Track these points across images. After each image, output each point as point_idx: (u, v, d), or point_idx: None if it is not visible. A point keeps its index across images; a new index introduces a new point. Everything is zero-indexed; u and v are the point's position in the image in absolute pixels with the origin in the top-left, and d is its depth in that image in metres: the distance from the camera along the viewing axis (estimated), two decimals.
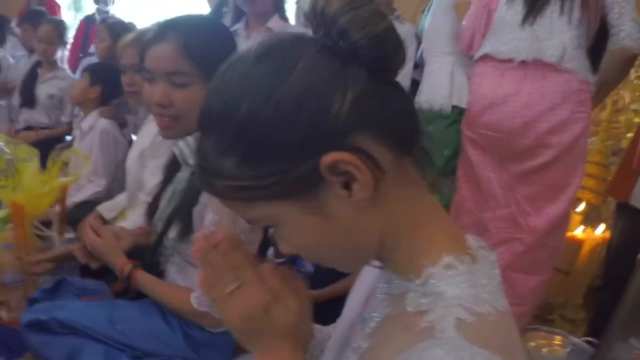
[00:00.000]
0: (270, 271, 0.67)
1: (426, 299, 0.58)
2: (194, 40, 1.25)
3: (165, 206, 1.44)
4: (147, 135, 2.08)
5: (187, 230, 1.36)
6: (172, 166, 1.50)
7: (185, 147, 1.33)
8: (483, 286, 0.58)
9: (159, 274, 1.47)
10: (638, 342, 1.81)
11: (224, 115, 0.57)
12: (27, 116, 3.60)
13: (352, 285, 2.05)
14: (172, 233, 1.40)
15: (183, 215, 1.36)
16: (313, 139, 0.55)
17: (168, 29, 1.27)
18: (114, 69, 2.60)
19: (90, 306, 1.43)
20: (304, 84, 0.55)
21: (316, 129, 0.55)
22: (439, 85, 2.44)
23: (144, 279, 1.40)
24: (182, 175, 1.42)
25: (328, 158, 0.55)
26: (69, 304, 1.45)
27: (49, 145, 2.82)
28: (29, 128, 3.53)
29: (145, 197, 1.86)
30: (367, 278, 0.78)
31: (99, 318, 1.36)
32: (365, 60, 0.56)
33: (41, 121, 3.56)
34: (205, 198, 1.30)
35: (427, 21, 2.65)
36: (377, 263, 0.68)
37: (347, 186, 0.57)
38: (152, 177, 1.86)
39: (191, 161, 1.32)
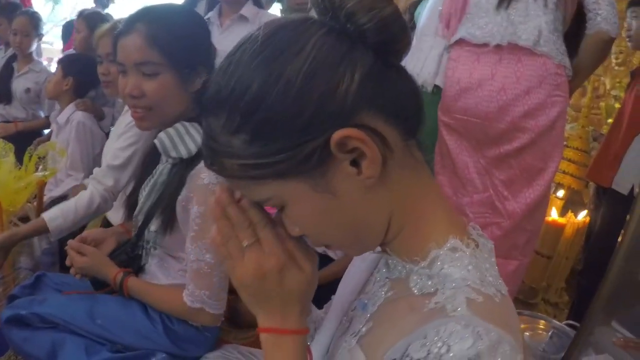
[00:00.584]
0: (287, 233, 0.66)
1: (432, 281, 0.59)
2: (160, 29, 1.26)
3: (145, 199, 1.43)
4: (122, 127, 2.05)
5: (169, 223, 1.35)
6: (151, 159, 1.49)
7: (166, 139, 1.32)
8: (487, 270, 0.60)
9: (140, 268, 1.46)
10: (619, 325, 1.83)
11: (233, 95, 0.57)
12: (3, 111, 3.53)
13: (335, 273, 2.06)
14: (153, 226, 1.39)
15: (165, 208, 1.35)
16: (322, 117, 0.56)
17: (136, 20, 1.28)
18: (88, 59, 2.57)
19: (70, 301, 1.42)
20: (313, 63, 0.55)
21: (325, 107, 0.55)
22: (426, 63, 2.42)
23: (135, 286, 1.39)
24: (163, 168, 1.40)
25: (337, 135, 0.56)
26: (49, 298, 1.43)
27: (26, 139, 2.79)
28: (6, 122, 3.47)
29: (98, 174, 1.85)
30: (360, 264, 0.79)
31: (79, 312, 1.35)
32: (372, 42, 0.58)
33: (18, 116, 3.50)
34: (189, 190, 1.29)
35: (426, 6, 2.64)
36: (377, 248, 0.69)
37: (355, 164, 0.58)
38: (113, 159, 1.85)
39: (173, 153, 1.32)
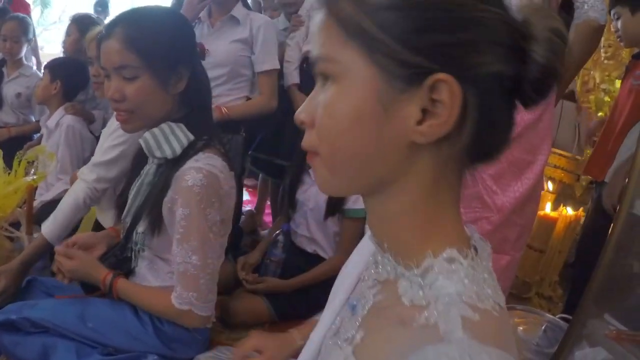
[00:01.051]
0: None
1: (424, 292, 0.56)
2: (137, 32, 1.28)
3: (132, 200, 1.43)
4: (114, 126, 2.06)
5: (156, 224, 1.35)
6: (139, 159, 1.49)
7: (151, 138, 1.32)
8: (485, 281, 0.57)
9: (130, 270, 1.46)
10: (612, 317, 1.83)
11: None
12: None
13: (325, 273, 2.06)
14: (141, 228, 1.39)
15: (151, 210, 1.35)
16: (450, 52, 0.53)
17: (115, 24, 1.30)
18: (75, 62, 2.57)
19: (61, 304, 1.42)
20: (484, 16, 0.53)
21: (459, 53, 0.53)
22: None
23: (125, 287, 1.39)
24: (149, 168, 1.41)
25: (444, 75, 0.52)
26: (40, 303, 1.43)
27: (16, 144, 2.78)
28: None
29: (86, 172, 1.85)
30: (357, 263, 0.76)
31: (70, 316, 1.36)
32: (533, 61, 0.55)
33: (9, 121, 3.48)
34: (174, 192, 1.29)
35: None
36: (371, 235, 0.65)
37: (423, 114, 0.54)
38: (101, 156, 1.85)
39: (157, 153, 1.32)
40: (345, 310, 0.71)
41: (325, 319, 0.76)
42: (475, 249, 0.60)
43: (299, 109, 0.61)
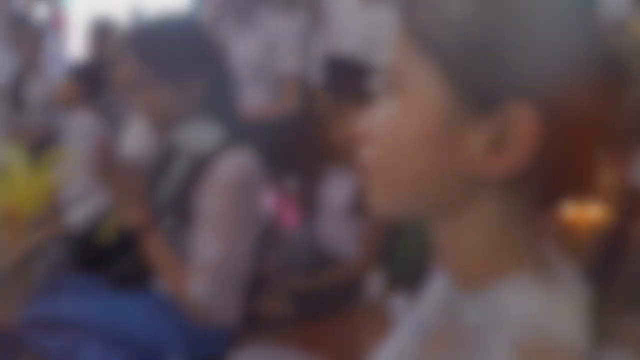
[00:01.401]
0: None
1: (485, 312, 0.52)
2: (145, 46, 1.34)
3: (162, 197, 1.45)
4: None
5: (185, 219, 1.36)
6: (167, 156, 1.51)
7: (184, 135, 1.36)
8: (555, 311, 0.50)
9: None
10: (633, 319, 1.82)
11: None
12: (17, 119, 3.56)
13: (342, 276, 2.05)
14: (170, 222, 1.40)
15: (182, 204, 1.37)
16: (536, 81, 0.47)
17: (128, 40, 1.39)
18: (97, 66, 2.61)
19: (87, 301, 1.43)
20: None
21: (545, 83, 0.47)
22: None
23: (158, 245, 1.36)
24: (179, 165, 1.42)
25: (525, 107, 0.45)
26: (65, 299, 1.44)
27: (40, 146, 2.81)
28: (22, 130, 3.49)
29: None
30: (431, 285, 0.72)
31: (96, 313, 1.37)
32: None
33: (32, 125, 3.50)
34: (205, 187, 1.32)
35: None
36: (440, 267, 0.61)
37: (493, 148, 0.48)
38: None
39: (187, 150, 1.36)
40: (412, 330, 0.68)
41: (397, 336, 0.73)
42: (551, 275, 0.53)
43: (358, 121, 0.56)
